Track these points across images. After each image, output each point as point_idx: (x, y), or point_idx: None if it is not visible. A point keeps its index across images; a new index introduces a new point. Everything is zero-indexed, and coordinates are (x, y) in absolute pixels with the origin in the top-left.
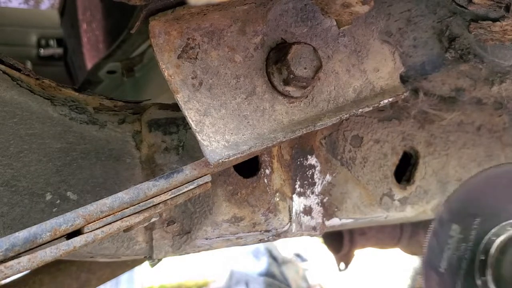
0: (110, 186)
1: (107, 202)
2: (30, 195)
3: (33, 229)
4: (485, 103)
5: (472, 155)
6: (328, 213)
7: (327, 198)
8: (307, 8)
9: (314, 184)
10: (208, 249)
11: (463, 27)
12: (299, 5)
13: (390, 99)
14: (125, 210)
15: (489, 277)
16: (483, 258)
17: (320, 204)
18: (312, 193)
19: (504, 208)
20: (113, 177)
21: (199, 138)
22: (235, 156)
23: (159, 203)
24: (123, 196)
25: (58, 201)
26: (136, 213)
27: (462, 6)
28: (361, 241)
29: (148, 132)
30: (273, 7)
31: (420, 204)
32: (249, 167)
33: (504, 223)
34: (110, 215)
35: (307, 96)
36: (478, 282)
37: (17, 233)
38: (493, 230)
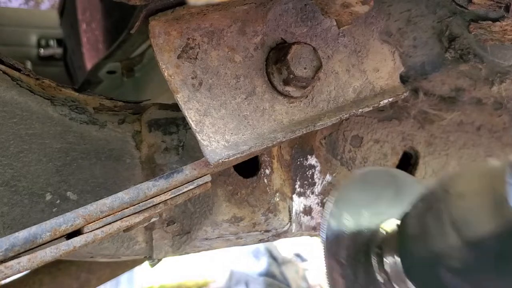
0: (110, 186)
1: (107, 202)
2: (30, 195)
3: (33, 229)
4: (485, 103)
5: (472, 155)
6: None
7: (327, 198)
8: (307, 8)
9: (314, 184)
10: (208, 249)
11: (463, 27)
12: (299, 5)
13: (390, 99)
14: (125, 210)
15: (388, 267)
16: (378, 251)
17: (320, 204)
18: (312, 193)
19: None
20: (113, 177)
21: (199, 138)
22: (235, 156)
23: (159, 203)
24: (123, 196)
25: (58, 201)
26: (136, 213)
27: (462, 6)
28: None
29: (148, 132)
30: (273, 7)
31: None
32: (249, 167)
33: (387, 219)
34: (110, 215)
35: (307, 96)
36: (379, 277)
37: (17, 233)
38: (381, 225)
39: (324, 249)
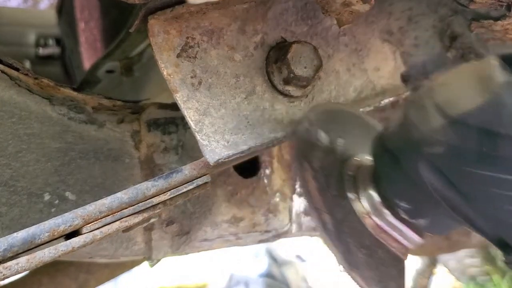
0: (109, 186)
1: (106, 202)
2: (28, 195)
3: (32, 229)
4: None
5: None
6: None
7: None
8: (307, 7)
9: None
10: (207, 250)
11: (464, 26)
12: (300, 4)
13: (391, 99)
14: (124, 210)
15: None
16: (350, 174)
17: None
18: None
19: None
20: (112, 177)
21: (198, 137)
22: (235, 156)
23: (158, 204)
24: (122, 196)
25: (57, 201)
26: (135, 213)
27: (463, 5)
28: None
29: (147, 132)
30: (273, 5)
31: None
32: (249, 167)
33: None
34: (109, 215)
35: (307, 96)
36: (350, 195)
37: (15, 234)
38: (357, 154)
39: (296, 146)
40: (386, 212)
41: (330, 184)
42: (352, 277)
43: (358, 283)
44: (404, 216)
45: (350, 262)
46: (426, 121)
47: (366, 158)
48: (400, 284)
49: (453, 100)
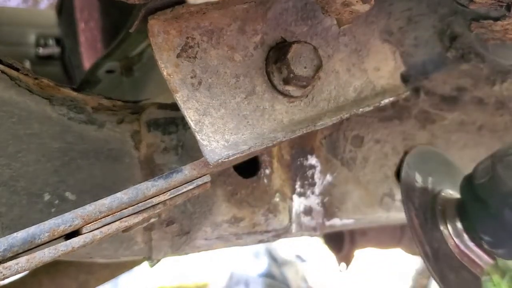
0: (109, 186)
1: (106, 202)
2: (28, 195)
3: (32, 229)
4: (486, 102)
5: (473, 155)
6: (328, 213)
7: (327, 198)
8: (307, 7)
9: (314, 184)
10: (207, 250)
11: (464, 26)
12: (300, 4)
13: (391, 99)
14: (124, 210)
15: (449, 225)
16: (440, 208)
17: (320, 205)
18: (313, 193)
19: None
20: (112, 177)
21: (198, 137)
22: (235, 156)
23: (158, 204)
24: (122, 196)
25: (57, 201)
26: (135, 213)
27: (463, 5)
28: (361, 241)
29: (147, 132)
30: (273, 5)
31: None
32: (249, 167)
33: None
34: (108, 215)
35: (307, 96)
36: (441, 227)
37: (15, 234)
38: (444, 189)
39: (402, 190)
40: (467, 239)
41: (427, 219)
42: None
43: None
44: (486, 246)
45: (445, 284)
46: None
47: (450, 193)
48: None
49: None
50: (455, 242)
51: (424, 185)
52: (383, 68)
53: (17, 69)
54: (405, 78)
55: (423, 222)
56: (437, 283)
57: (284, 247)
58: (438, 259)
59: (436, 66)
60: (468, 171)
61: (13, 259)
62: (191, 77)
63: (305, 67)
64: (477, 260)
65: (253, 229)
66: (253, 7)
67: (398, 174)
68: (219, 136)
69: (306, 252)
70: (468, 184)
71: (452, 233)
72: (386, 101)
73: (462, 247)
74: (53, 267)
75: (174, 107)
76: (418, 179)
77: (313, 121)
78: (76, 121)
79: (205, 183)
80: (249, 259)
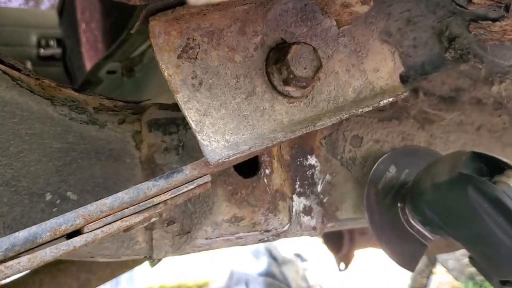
0: (110, 186)
1: (107, 202)
2: (30, 195)
3: (33, 229)
4: (485, 103)
5: None
6: (328, 213)
7: (327, 198)
8: (307, 8)
9: (314, 184)
10: (208, 249)
11: (463, 27)
12: (299, 5)
13: (390, 99)
14: (125, 210)
15: (407, 205)
16: (404, 192)
17: (320, 204)
18: (312, 193)
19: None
20: (113, 177)
21: (199, 138)
22: (235, 156)
23: (159, 203)
24: (123, 196)
25: (58, 201)
26: (136, 213)
27: (461, 6)
28: (361, 241)
29: (148, 132)
30: (273, 7)
31: None
32: (249, 167)
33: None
34: (110, 215)
35: (307, 96)
36: (399, 204)
37: (17, 233)
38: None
39: (369, 176)
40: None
41: (387, 197)
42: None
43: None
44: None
45: (391, 248)
46: (425, 181)
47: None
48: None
49: (438, 174)
50: (407, 216)
51: (396, 175)
52: (382, 69)
53: (18, 70)
54: (404, 79)
55: (380, 198)
56: (380, 243)
57: (284, 247)
58: (388, 225)
59: (435, 67)
60: None
61: (14, 259)
62: (192, 78)
63: (305, 68)
64: (422, 231)
65: (253, 229)
66: (253, 8)
67: None
68: (219, 136)
69: (306, 251)
70: (416, 177)
71: (407, 210)
72: (385, 101)
73: (411, 221)
74: (54, 266)
75: (175, 107)
76: (392, 170)
77: (312, 121)
78: (78, 121)
79: (206, 183)
80: (249, 258)
